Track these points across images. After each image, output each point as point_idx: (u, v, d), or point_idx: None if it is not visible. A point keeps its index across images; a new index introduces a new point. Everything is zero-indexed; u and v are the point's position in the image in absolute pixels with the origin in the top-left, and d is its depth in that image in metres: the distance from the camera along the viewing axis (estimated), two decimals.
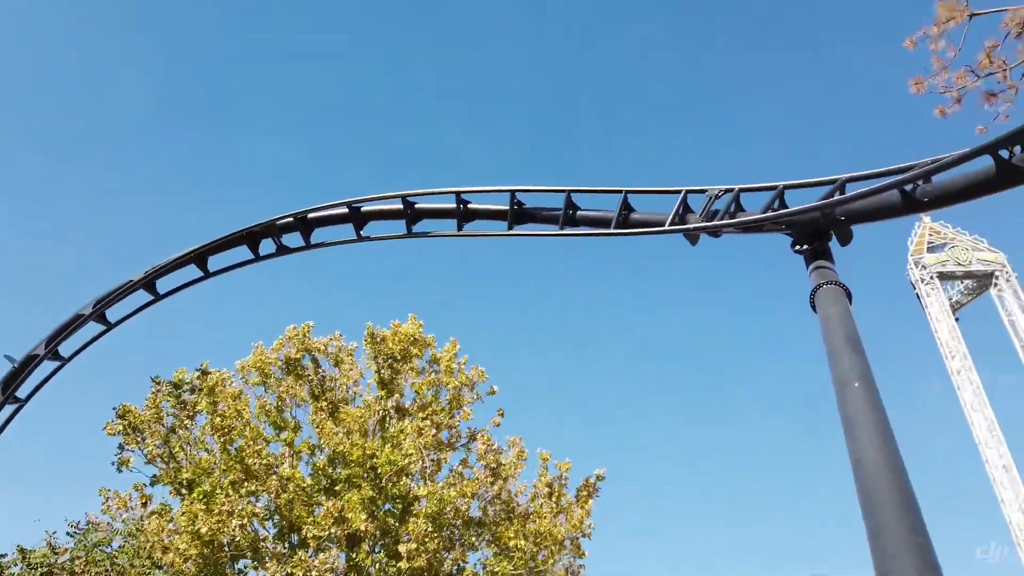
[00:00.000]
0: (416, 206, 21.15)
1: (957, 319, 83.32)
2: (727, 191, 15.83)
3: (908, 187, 12.45)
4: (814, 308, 13.21)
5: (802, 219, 14.29)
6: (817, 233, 14.42)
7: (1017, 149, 10.88)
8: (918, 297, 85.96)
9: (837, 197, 13.73)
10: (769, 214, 14.86)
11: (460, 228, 20.40)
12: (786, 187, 15.03)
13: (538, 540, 22.03)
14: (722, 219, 15.55)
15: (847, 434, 8.80)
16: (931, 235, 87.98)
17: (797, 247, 14.67)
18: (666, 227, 16.32)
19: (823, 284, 13.13)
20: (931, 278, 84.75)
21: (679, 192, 16.55)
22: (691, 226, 15.95)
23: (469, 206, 20.19)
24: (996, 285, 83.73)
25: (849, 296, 12.99)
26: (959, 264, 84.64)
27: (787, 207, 14.99)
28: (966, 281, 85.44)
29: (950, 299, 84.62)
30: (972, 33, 6.48)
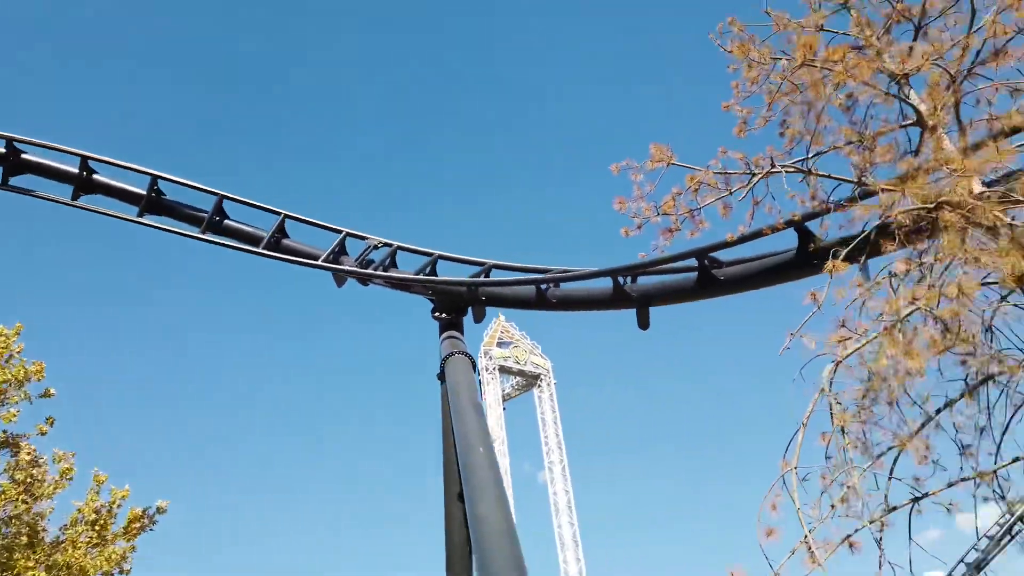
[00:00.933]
0: (23, 155, 17.57)
1: (504, 408, 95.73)
2: (386, 244, 16.41)
3: (544, 286, 14.38)
4: (443, 373, 14.21)
5: (450, 290, 15.46)
6: (457, 306, 15.68)
7: (630, 280, 13.41)
8: (480, 384, 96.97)
9: (483, 279, 15.21)
10: (421, 277, 15.75)
11: (76, 197, 17.45)
12: (440, 257, 16.17)
13: (62, 573, 18.79)
14: (376, 270, 16.00)
15: (470, 495, 9.50)
16: (502, 332, 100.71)
17: (437, 314, 15.75)
18: (319, 262, 16.18)
19: (455, 353, 14.23)
20: (494, 369, 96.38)
21: (340, 232, 16.65)
22: (344, 268, 16.07)
23: (95, 177, 17.47)
24: (539, 386, 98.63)
25: (474, 367, 14.30)
26: (517, 362, 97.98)
27: (436, 275, 16.09)
28: (518, 378, 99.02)
29: (503, 391, 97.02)
30: (673, 175, 8.20)
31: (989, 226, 6.94)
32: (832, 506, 6.91)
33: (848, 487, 6.81)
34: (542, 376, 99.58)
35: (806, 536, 6.75)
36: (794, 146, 9.33)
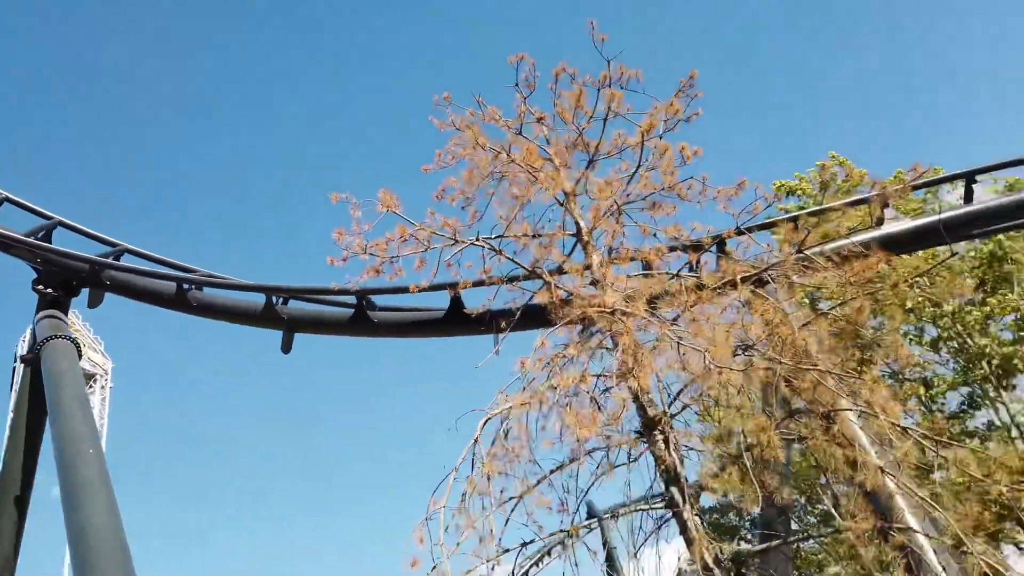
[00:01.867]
0: None
1: None
2: None
3: (186, 286, 13.34)
4: (36, 357, 12.14)
5: (68, 264, 13.36)
6: (70, 284, 13.63)
7: (282, 300, 13.26)
8: (13, 371, 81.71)
9: (112, 260, 13.51)
10: (32, 241, 13.37)
11: None
12: (61, 224, 13.95)
13: None
14: None
15: (74, 498, 8.36)
16: None
17: (41, 287, 13.45)
18: None
19: (57, 337, 12.31)
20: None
21: None
22: None
23: None
24: (91, 387, 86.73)
25: (79, 355, 12.49)
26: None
27: (51, 242, 13.81)
28: None
29: None
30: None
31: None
32: (458, 543, 7.82)
33: (473, 527, 7.80)
34: (98, 376, 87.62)
35: (434, 567, 7.52)
36: (476, 222, 10.62)
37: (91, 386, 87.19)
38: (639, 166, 9.53)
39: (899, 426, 6.63)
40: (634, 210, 9.60)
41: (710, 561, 6.83)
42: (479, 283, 10.11)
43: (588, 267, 9.79)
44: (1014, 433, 19.07)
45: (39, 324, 13.04)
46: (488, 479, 7.59)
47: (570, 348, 8.16)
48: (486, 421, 8.53)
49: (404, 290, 11.99)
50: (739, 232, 9.13)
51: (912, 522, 7.32)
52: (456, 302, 12.80)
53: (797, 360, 6.86)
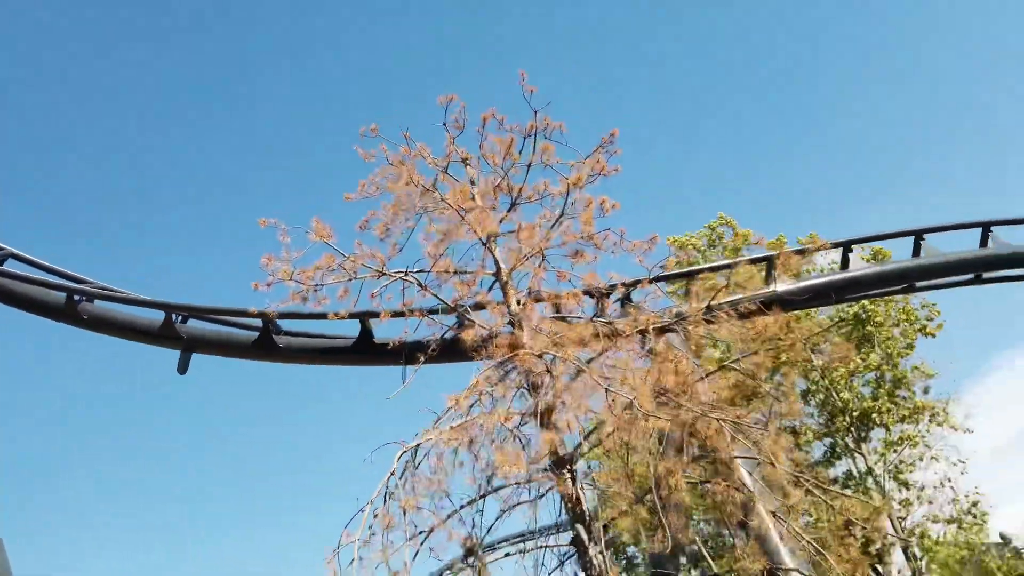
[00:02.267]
0: None
1: None
2: None
3: (77, 297, 12.62)
4: None
5: None
6: None
7: (181, 319, 12.81)
8: None
9: None
10: None
11: None
12: None
13: None
14: None
15: None
16: None
17: None
18: None
19: None
20: None
21: None
22: None
23: None
24: None
25: None
26: None
27: None
28: None
29: None
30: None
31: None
32: None
33: (385, 562, 7.84)
34: None
35: None
36: (396, 255, 10.79)
37: None
38: (562, 214, 10.00)
39: (793, 474, 7.30)
40: (554, 255, 10.03)
41: None
42: (399, 314, 10.21)
43: (508, 306, 10.15)
44: (869, 482, 20.84)
45: None
46: (404, 512, 7.67)
47: (498, 387, 8.41)
48: (402, 454, 8.64)
49: (320, 316, 11.99)
50: (651, 282, 9.76)
51: (794, 564, 7.99)
52: (366, 331, 12.82)
53: (702, 409, 7.42)
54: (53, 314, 12.66)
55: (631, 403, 7.29)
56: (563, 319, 9.46)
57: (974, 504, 20.06)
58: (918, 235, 13.99)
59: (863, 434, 20.72)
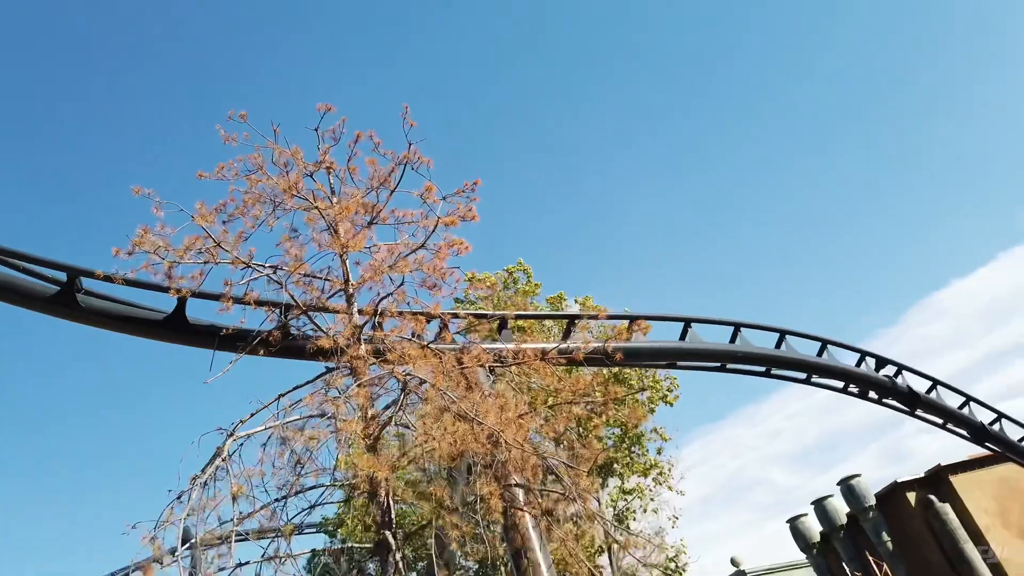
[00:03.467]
0: None
1: None
2: None
3: None
4: None
5: None
6: None
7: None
8: None
9: None
10: None
11: None
12: None
13: None
14: None
15: None
16: None
17: None
18: None
19: None
20: None
21: None
22: None
23: None
24: None
25: None
26: None
27: None
28: None
29: None
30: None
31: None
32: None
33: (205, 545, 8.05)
34: None
35: None
36: (241, 241, 10.92)
37: None
38: (423, 245, 10.81)
39: (596, 515, 8.75)
40: (402, 277, 10.79)
41: None
42: (240, 300, 10.30)
43: (349, 317, 10.72)
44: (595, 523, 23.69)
45: None
46: (234, 499, 7.97)
47: (357, 392, 8.98)
48: (229, 437, 8.89)
49: (136, 284, 11.60)
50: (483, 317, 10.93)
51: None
52: (180, 309, 12.50)
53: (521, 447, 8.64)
54: None
55: (505, 436, 8.27)
56: (407, 339, 10.24)
57: (678, 553, 23.53)
58: (687, 322, 16.69)
59: (603, 480, 23.49)
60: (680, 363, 16.83)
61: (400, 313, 10.47)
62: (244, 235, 10.68)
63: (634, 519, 23.43)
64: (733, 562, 35.75)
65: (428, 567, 10.80)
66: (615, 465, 22.87)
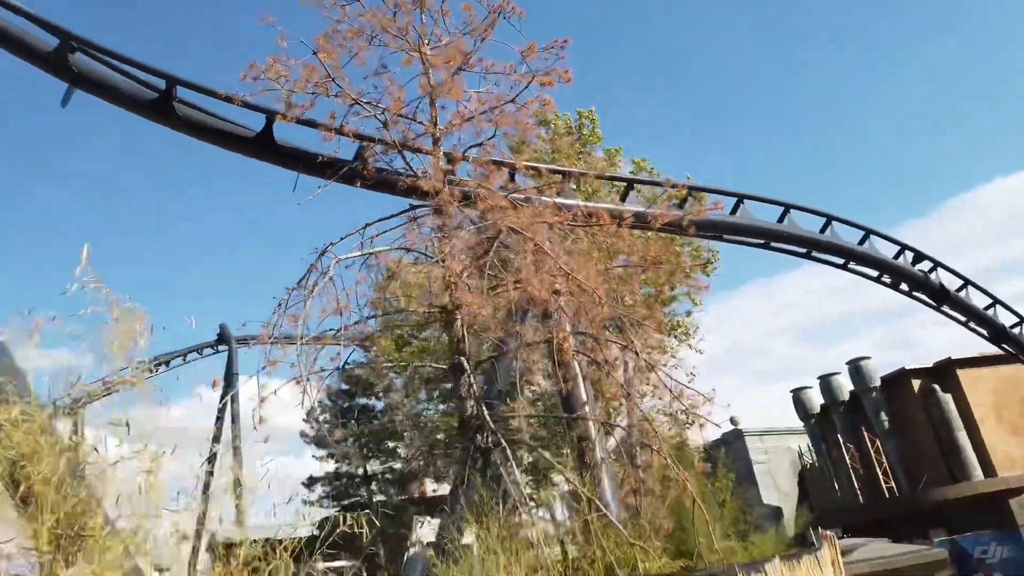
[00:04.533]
0: None
1: None
2: None
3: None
4: None
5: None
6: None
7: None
8: None
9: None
10: None
11: None
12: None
13: None
14: None
15: None
16: None
17: None
18: None
19: None
20: None
21: None
22: None
23: None
24: None
25: None
26: None
27: None
28: None
29: None
30: None
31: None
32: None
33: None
34: None
35: None
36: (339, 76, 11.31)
37: None
38: (513, 100, 11.16)
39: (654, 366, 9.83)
40: (493, 129, 11.25)
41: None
42: (339, 132, 10.82)
43: (437, 159, 11.32)
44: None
45: None
46: (340, 314, 9.05)
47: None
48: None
49: (227, 99, 12.17)
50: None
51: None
52: (268, 130, 13.08)
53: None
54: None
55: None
56: (493, 189, 10.88)
57: (692, 407, 25.17)
58: (741, 198, 17.17)
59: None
60: (727, 237, 17.49)
61: (495, 162, 11.01)
62: (341, 71, 11.10)
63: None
64: (732, 421, 38.10)
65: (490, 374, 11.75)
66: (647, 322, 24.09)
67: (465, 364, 9.84)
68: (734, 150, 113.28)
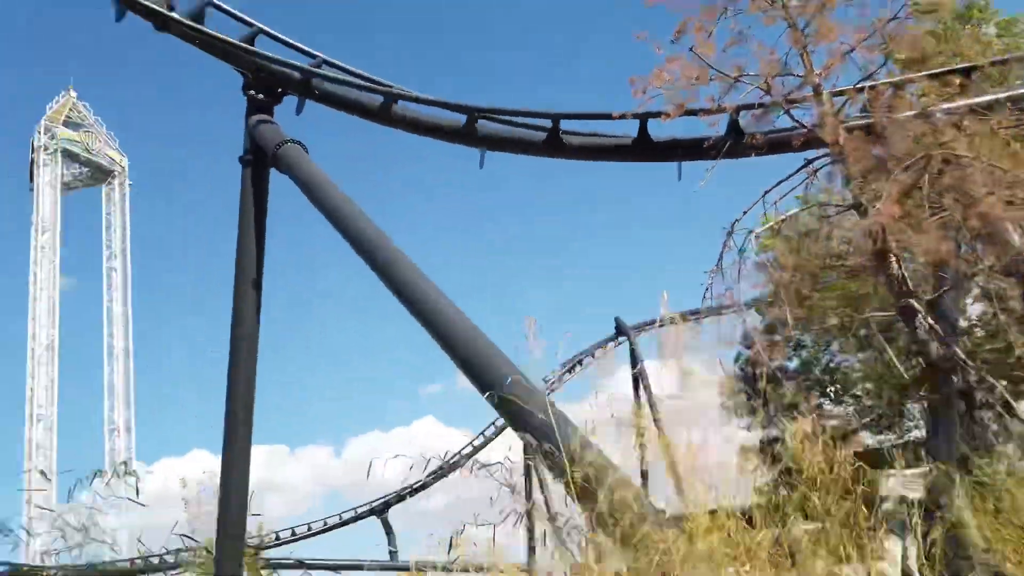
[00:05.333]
0: None
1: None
2: None
3: (388, 99, 14.25)
4: (274, 159, 13.29)
5: (278, 71, 14.15)
6: (275, 90, 14.48)
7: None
8: (33, 163, 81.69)
9: (323, 72, 14.31)
10: (251, 48, 14.08)
11: None
12: (262, 31, 14.49)
13: None
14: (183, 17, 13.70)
15: (423, 302, 9.86)
16: (73, 111, 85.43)
17: (252, 92, 14.30)
18: None
19: (290, 141, 13.38)
20: (55, 150, 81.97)
21: None
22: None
23: None
24: (110, 184, 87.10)
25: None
26: (87, 150, 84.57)
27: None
28: (85, 168, 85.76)
29: (63, 177, 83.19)
30: None
31: None
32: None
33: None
34: (116, 173, 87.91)
35: None
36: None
37: (110, 183, 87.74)
38: (894, 17, 10.35)
39: None
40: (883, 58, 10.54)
41: None
42: (690, 112, 11.07)
43: (820, 104, 10.96)
44: None
45: (257, 127, 14.06)
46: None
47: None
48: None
49: (604, 116, 13.30)
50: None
51: None
52: (643, 130, 13.95)
53: None
54: (371, 115, 14.41)
55: None
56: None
57: None
58: None
59: None
60: None
61: (891, 83, 10.35)
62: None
63: None
64: None
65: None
66: None
67: (916, 305, 9.35)
68: None
